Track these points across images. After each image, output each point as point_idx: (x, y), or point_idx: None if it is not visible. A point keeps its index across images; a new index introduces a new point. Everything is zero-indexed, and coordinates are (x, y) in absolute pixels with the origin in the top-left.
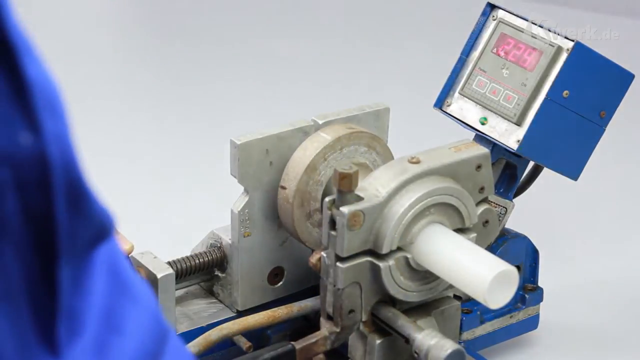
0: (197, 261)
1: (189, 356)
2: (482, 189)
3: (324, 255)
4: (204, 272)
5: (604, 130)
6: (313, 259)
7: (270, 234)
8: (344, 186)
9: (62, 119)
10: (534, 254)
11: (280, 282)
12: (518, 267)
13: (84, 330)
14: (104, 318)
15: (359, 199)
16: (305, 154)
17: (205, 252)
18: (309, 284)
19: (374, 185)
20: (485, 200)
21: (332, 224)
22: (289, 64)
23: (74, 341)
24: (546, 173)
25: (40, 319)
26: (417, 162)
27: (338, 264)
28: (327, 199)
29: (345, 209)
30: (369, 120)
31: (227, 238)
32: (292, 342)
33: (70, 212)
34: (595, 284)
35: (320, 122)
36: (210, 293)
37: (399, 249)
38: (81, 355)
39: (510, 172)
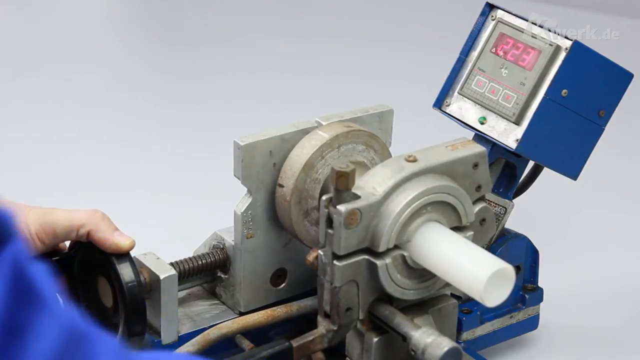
0: (200, 262)
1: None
2: (479, 187)
3: (321, 253)
4: (206, 274)
5: (603, 129)
6: (310, 257)
7: (273, 235)
8: (341, 184)
9: None
10: (534, 254)
11: (283, 284)
12: (518, 267)
13: None
14: (4, 325)
15: (356, 197)
16: (302, 152)
17: (208, 254)
18: (312, 285)
19: (371, 184)
20: (482, 198)
21: (329, 222)
22: (293, 65)
23: None
24: (546, 173)
25: None
26: (414, 161)
27: (335, 262)
28: (324, 197)
29: (342, 207)
30: (373, 121)
31: (230, 239)
32: (290, 340)
33: None
34: (595, 284)
35: (324, 123)
36: (212, 294)
37: (396, 247)
38: None
39: (509, 172)
